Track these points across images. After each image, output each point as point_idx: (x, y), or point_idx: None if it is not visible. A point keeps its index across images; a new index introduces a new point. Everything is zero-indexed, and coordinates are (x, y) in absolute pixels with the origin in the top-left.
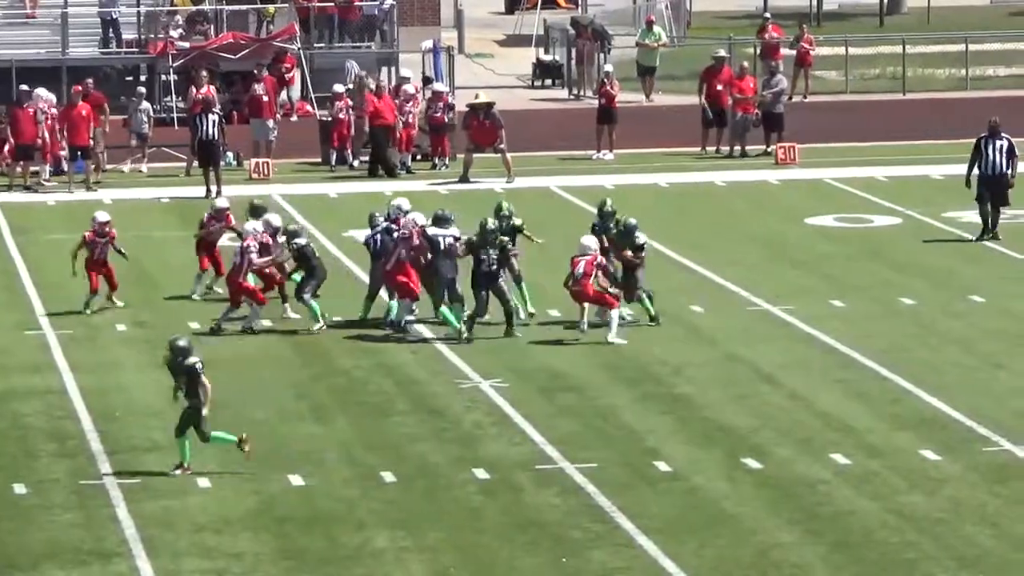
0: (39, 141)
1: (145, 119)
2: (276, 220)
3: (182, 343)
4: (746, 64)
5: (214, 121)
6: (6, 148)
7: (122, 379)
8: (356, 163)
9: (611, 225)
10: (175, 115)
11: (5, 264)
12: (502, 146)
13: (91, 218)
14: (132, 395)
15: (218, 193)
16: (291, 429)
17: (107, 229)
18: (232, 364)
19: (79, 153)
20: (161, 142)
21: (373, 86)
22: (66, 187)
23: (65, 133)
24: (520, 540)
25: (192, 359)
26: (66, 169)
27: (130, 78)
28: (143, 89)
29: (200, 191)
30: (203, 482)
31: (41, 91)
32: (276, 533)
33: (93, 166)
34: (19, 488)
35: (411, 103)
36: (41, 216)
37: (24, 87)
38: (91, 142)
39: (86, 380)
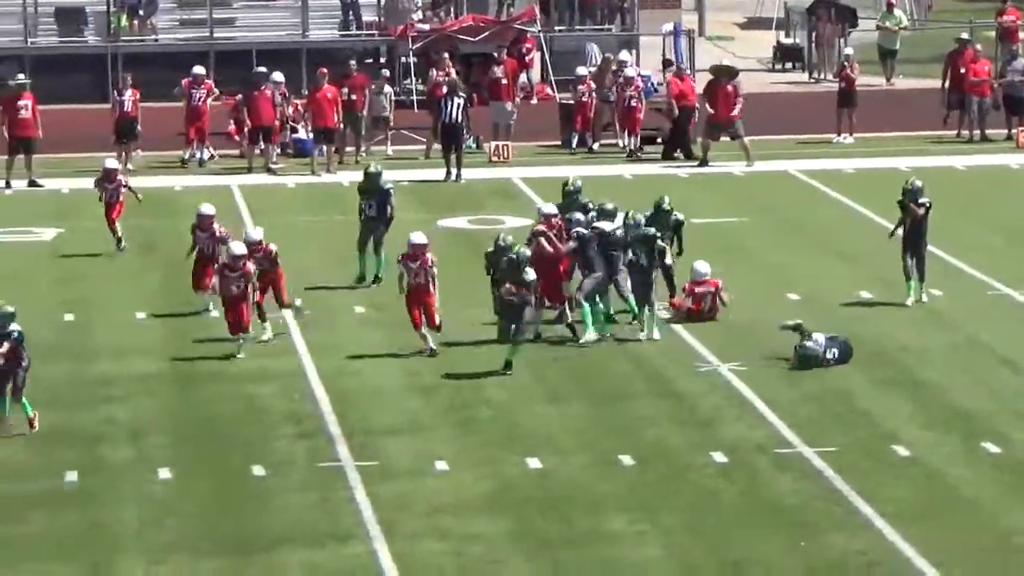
0: (276, 123)
1: (387, 102)
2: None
3: (9, 310)
4: (979, 47)
5: (458, 105)
6: (245, 130)
7: (359, 362)
8: (596, 146)
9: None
10: (415, 98)
11: None
12: (740, 131)
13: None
14: (369, 378)
15: (457, 176)
16: (529, 411)
17: (211, 224)
18: (466, 345)
19: (322, 135)
20: (401, 125)
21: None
22: (307, 168)
23: (310, 115)
24: (758, 524)
25: (13, 327)
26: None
27: (369, 60)
28: (387, 72)
29: (439, 174)
30: (441, 465)
31: (277, 75)
32: (513, 516)
33: (335, 148)
34: (257, 470)
35: (631, 87)
36: (281, 198)
37: (261, 69)
38: (338, 124)
39: (323, 362)
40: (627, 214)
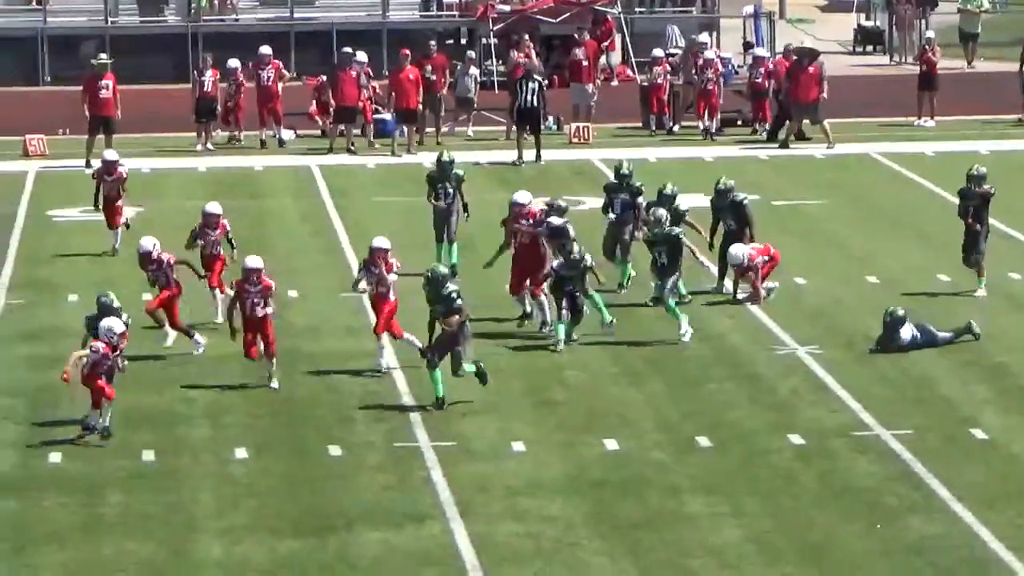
0: (360, 104)
1: (471, 83)
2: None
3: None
4: None
5: (533, 88)
6: (329, 110)
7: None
8: (676, 128)
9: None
10: (495, 79)
11: (325, 227)
12: (820, 115)
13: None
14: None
15: (537, 157)
16: (606, 393)
17: (219, 221)
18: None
19: (403, 116)
20: (483, 106)
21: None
22: (387, 149)
23: (392, 96)
24: (835, 506)
25: None
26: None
27: (450, 41)
28: (472, 53)
29: (514, 154)
30: (518, 446)
31: (360, 55)
32: (590, 497)
33: (413, 130)
34: (334, 450)
35: (710, 70)
36: (361, 179)
37: (347, 49)
38: (419, 106)
39: (399, 344)
40: (649, 211)
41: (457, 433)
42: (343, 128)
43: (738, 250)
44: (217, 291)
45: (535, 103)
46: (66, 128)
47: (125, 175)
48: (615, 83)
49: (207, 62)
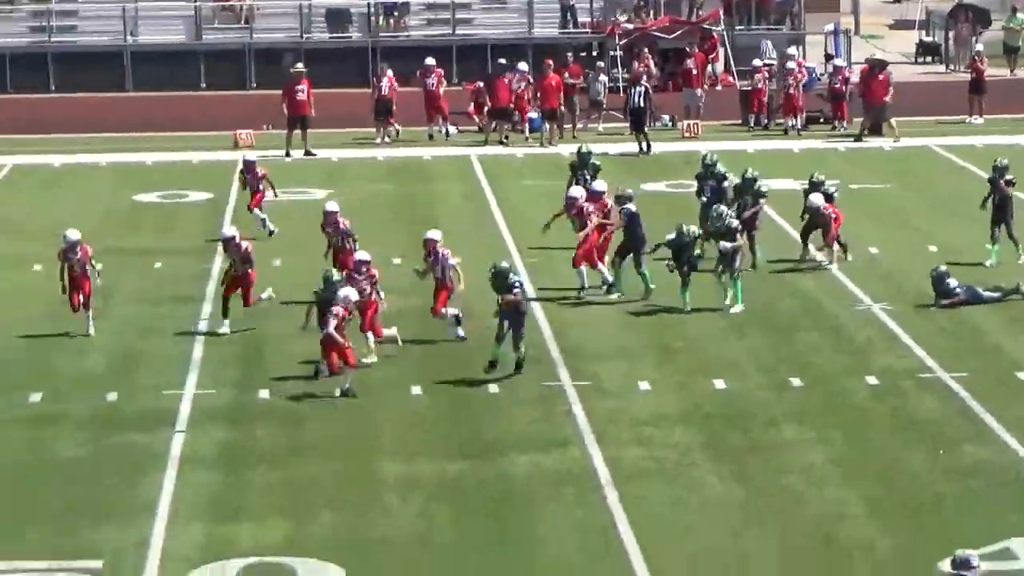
0: (511, 106)
1: (601, 88)
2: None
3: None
4: None
5: (640, 92)
6: (484, 110)
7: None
8: (772, 125)
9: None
10: (620, 84)
11: (482, 206)
12: (886, 114)
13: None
14: (586, 312)
15: (648, 149)
16: (716, 342)
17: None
18: (668, 290)
19: (547, 115)
20: (610, 106)
21: (792, 65)
22: (537, 142)
23: (537, 98)
24: (904, 436)
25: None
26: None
27: (584, 53)
28: (602, 63)
29: (635, 147)
30: (644, 385)
31: (522, 65)
32: (703, 428)
33: (555, 126)
34: (493, 388)
35: (791, 77)
36: (511, 166)
37: (502, 60)
38: (560, 106)
39: (545, 297)
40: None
41: (593, 374)
42: (496, 124)
43: (816, 199)
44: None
45: (641, 104)
46: (269, 124)
47: (263, 174)
48: (719, 88)
49: (384, 70)
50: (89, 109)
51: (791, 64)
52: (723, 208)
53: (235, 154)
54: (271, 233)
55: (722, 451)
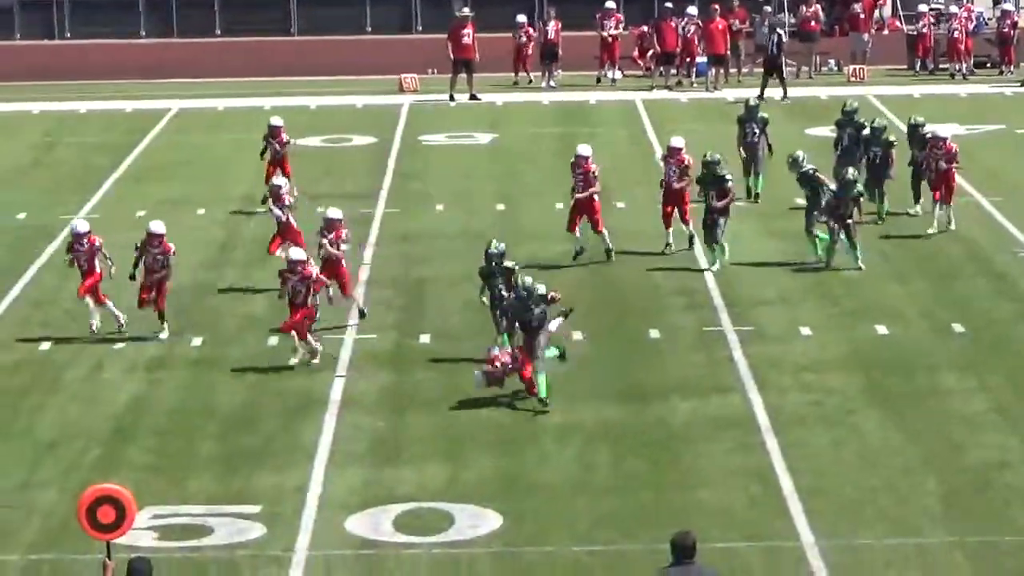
0: (677, 49)
1: (769, 34)
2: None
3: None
4: None
5: (774, 40)
6: (649, 54)
7: (741, 246)
8: (938, 70)
9: None
10: (787, 30)
11: (646, 151)
12: None
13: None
14: (748, 258)
15: (783, 97)
16: (877, 287)
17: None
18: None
19: (713, 59)
20: None
21: (959, 10)
22: (702, 87)
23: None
24: None
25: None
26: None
27: None
28: (769, 8)
29: (801, 92)
30: (805, 331)
31: (691, 9)
32: (863, 374)
33: (720, 71)
34: (654, 333)
35: (956, 21)
36: (676, 111)
37: (668, 4)
38: (726, 51)
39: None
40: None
41: (755, 320)
42: (663, 69)
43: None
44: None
45: (774, 52)
46: (434, 68)
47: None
48: (886, 32)
49: (550, 14)
50: (253, 53)
51: (954, 8)
52: (851, 174)
53: (400, 98)
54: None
55: (883, 397)
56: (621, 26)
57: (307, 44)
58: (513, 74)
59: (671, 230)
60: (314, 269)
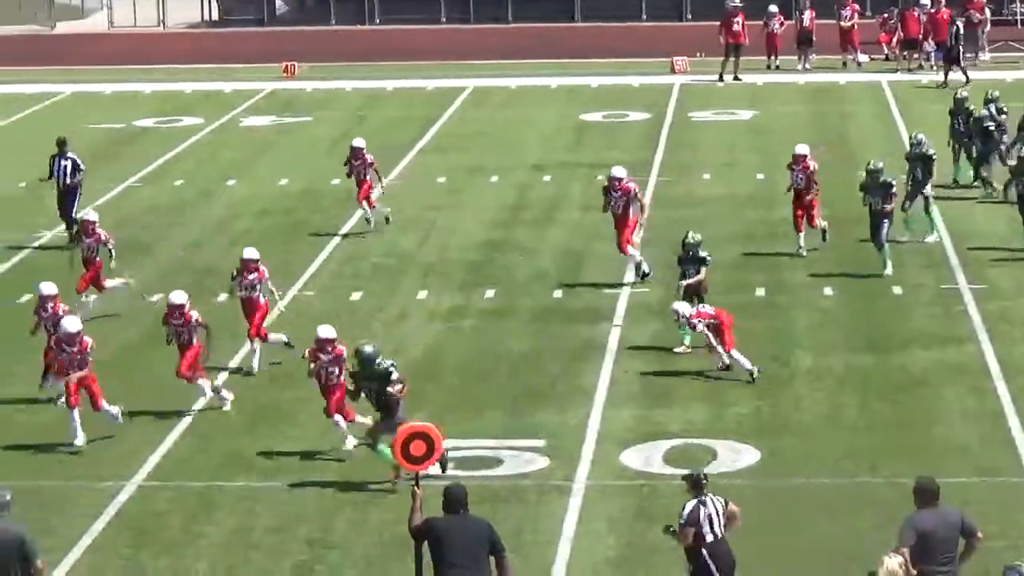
0: (919, 37)
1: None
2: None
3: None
4: None
5: (955, 30)
6: (894, 40)
7: (966, 205)
8: None
9: None
10: (1018, 17)
11: (891, 129)
12: None
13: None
14: (983, 224)
15: (966, 82)
16: None
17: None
18: None
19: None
20: (1004, 37)
21: None
22: (940, 71)
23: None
24: None
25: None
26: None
27: None
28: None
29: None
30: None
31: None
32: None
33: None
34: (896, 290)
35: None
36: (920, 92)
37: None
38: (949, 40)
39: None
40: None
41: (987, 278)
42: (907, 53)
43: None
44: None
45: (954, 42)
46: (702, 51)
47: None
48: None
49: (805, 4)
50: (540, 38)
51: None
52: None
53: (671, 78)
54: (375, 221)
55: None
56: (857, 15)
57: (589, 30)
58: (766, 58)
59: (802, 233)
60: (343, 347)
